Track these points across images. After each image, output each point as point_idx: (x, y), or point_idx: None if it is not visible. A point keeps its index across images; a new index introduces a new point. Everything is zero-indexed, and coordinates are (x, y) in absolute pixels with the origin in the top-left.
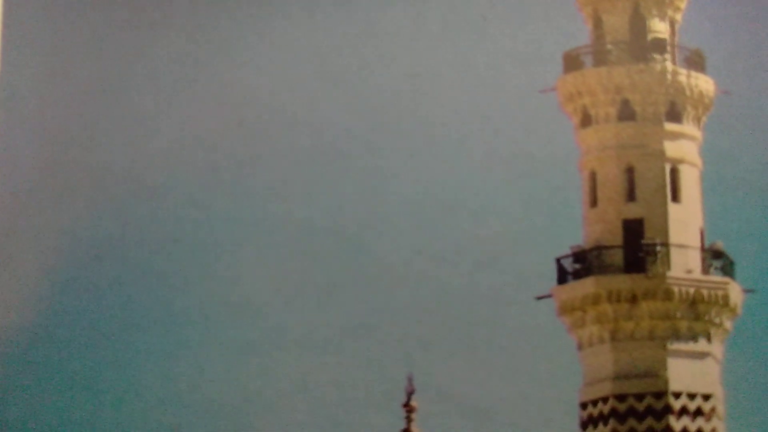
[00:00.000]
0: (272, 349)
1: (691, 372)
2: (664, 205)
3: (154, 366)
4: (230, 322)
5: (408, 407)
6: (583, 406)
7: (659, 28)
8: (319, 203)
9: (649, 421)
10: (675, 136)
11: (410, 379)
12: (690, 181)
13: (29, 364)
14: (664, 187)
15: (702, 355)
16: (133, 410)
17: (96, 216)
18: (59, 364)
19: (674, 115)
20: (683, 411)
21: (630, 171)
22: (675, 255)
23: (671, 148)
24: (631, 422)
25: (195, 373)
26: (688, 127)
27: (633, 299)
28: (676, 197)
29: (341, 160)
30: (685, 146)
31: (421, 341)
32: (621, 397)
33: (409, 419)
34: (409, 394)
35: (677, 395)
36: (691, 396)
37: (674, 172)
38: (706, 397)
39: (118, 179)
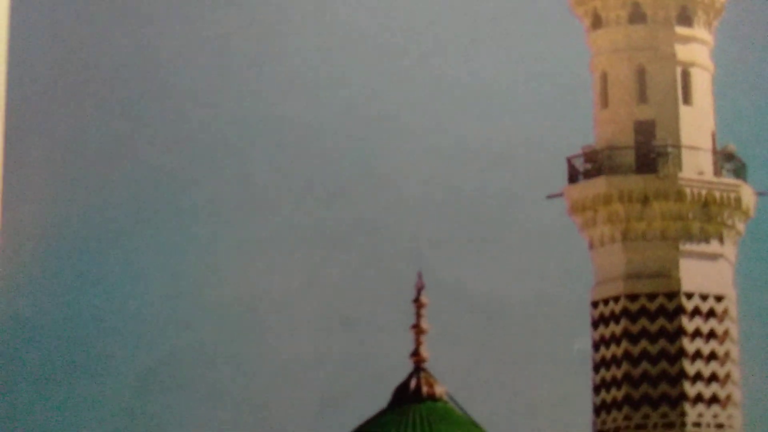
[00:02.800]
0: (281, 245)
1: (703, 273)
2: (676, 107)
3: (163, 263)
4: (239, 219)
5: (418, 303)
6: (595, 305)
7: None
8: (328, 103)
9: (661, 321)
10: (686, 39)
11: (420, 276)
12: (701, 84)
13: (38, 260)
14: (675, 89)
15: (714, 257)
16: (141, 306)
17: (106, 115)
18: (68, 261)
19: (685, 19)
20: (696, 312)
21: (641, 73)
22: (686, 157)
23: (682, 51)
24: (643, 322)
25: (204, 269)
26: (699, 31)
27: (644, 200)
28: (687, 100)
29: (351, 59)
30: (696, 50)
31: (431, 239)
32: (633, 297)
33: (418, 315)
34: (419, 290)
35: (689, 296)
36: (704, 297)
37: (685, 75)
38: (719, 298)
39: (129, 80)
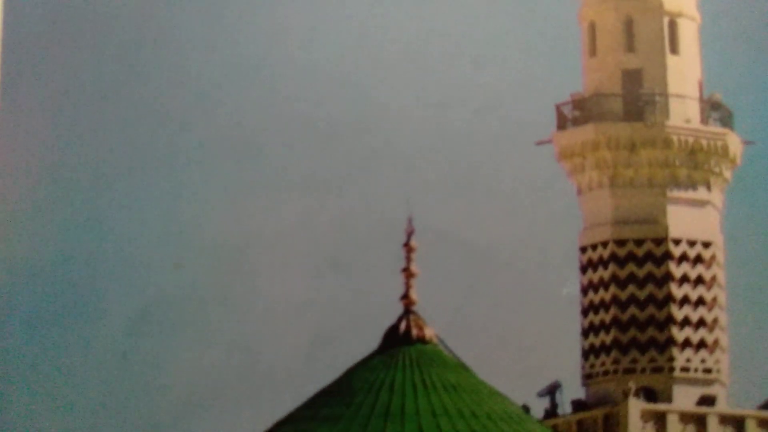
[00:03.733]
0: (274, 189)
1: (690, 219)
2: (663, 56)
3: (156, 206)
4: (233, 162)
5: (408, 247)
6: (583, 250)
7: None
8: (320, 49)
9: (649, 266)
10: None
11: (410, 220)
12: (688, 34)
13: (33, 203)
14: (662, 39)
15: (701, 203)
16: (136, 248)
17: (101, 61)
18: (63, 204)
19: None
20: (683, 257)
21: (628, 22)
22: (673, 105)
23: (669, 1)
24: (631, 267)
25: (197, 211)
26: None
27: (632, 147)
28: (674, 49)
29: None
30: (683, 0)
31: (421, 184)
32: (620, 242)
33: (408, 259)
34: (409, 234)
35: (677, 242)
36: (691, 243)
37: (672, 25)
38: (706, 245)
39: (124, 25)
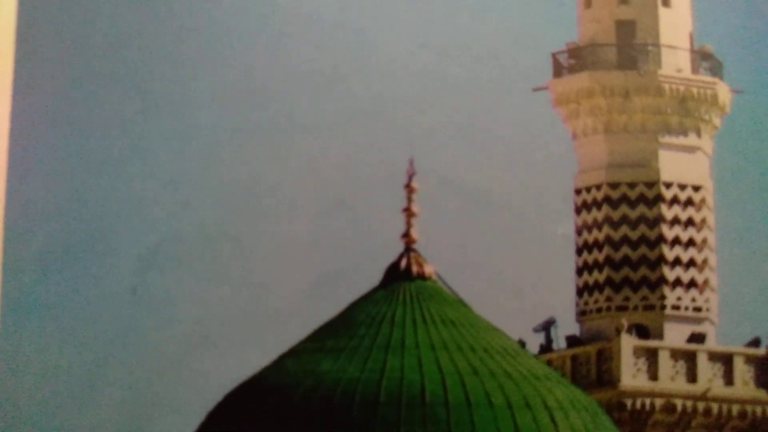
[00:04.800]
0: (280, 132)
1: (681, 164)
2: (655, 8)
3: (167, 148)
4: (241, 107)
5: (409, 188)
6: (578, 192)
7: None
8: None
9: (641, 209)
10: None
11: (411, 163)
12: None
13: (48, 145)
14: None
15: (692, 149)
16: (145, 189)
17: (116, 7)
18: (77, 146)
19: None
20: (674, 200)
21: None
22: (666, 55)
23: None
24: (624, 209)
25: (206, 154)
26: None
27: (626, 94)
28: (666, 2)
29: None
30: None
31: (423, 128)
32: (614, 185)
33: (409, 199)
34: (410, 176)
35: (668, 185)
36: (682, 186)
37: None
38: (696, 188)
39: None
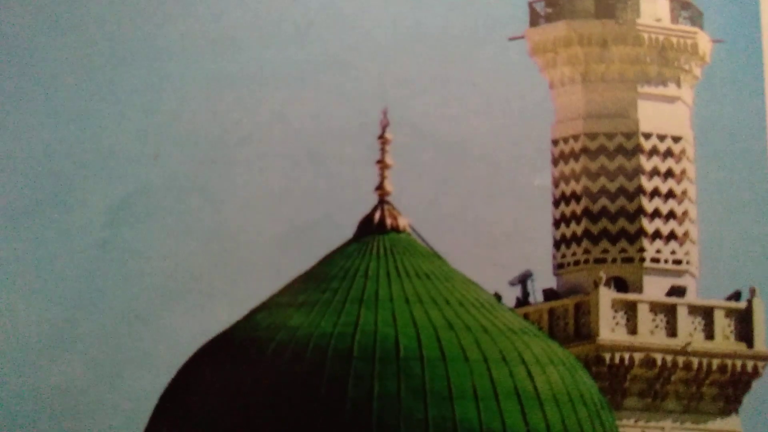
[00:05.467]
0: (251, 82)
1: (660, 114)
2: None
3: (137, 98)
4: (211, 56)
5: (382, 139)
6: (555, 142)
7: None
8: None
9: (620, 160)
10: None
11: (385, 113)
12: None
13: (13, 97)
14: None
15: (671, 99)
16: (116, 140)
17: None
18: (44, 96)
19: None
20: (654, 151)
21: None
22: (644, 4)
23: None
24: (602, 160)
25: (176, 104)
26: None
27: (603, 43)
28: None
29: None
30: None
31: (396, 78)
32: (592, 136)
33: (383, 151)
34: (384, 127)
35: (647, 136)
36: (661, 137)
37: None
38: (676, 139)
39: None
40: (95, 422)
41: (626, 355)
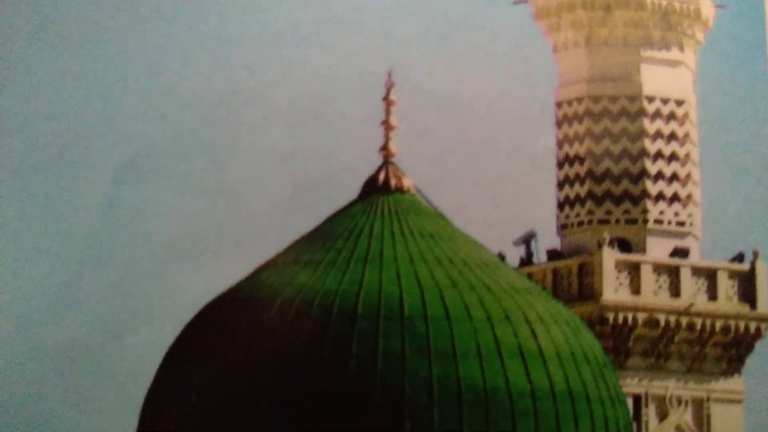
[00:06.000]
0: (256, 43)
1: (664, 78)
2: None
3: (142, 59)
4: (216, 17)
5: (387, 101)
6: (559, 105)
7: None
8: None
9: (623, 123)
10: None
11: (390, 75)
12: None
13: (21, 57)
14: None
15: (675, 63)
16: (122, 101)
17: None
18: (52, 58)
19: None
20: (657, 114)
21: None
22: None
23: None
24: (606, 122)
25: (181, 65)
26: None
27: (607, 7)
28: None
29: None
30: None
31: (401, 39)
32: (596, 99)
33: (387, 112)
34: (389, 89)
35: (651, 99)
36: (665, 100)
37: None
38: (679, 103)
39: None
40: (101, 379)
41: (629, 315)
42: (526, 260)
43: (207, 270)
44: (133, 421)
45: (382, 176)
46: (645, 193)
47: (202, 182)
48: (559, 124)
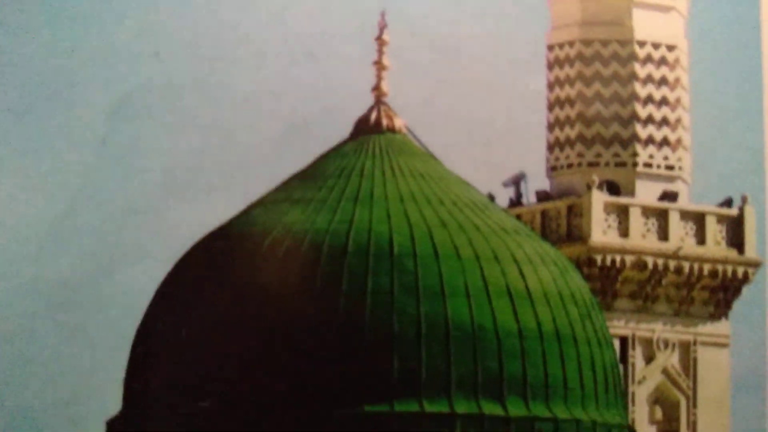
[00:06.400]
0: None
1: (655, 23)
2: None
3: None
4: None
5: (380, 41)
6: (550, 48)
7: None
8: None
9: (614, 66)
10: None
11: (383, 15)
12: None
13: (14, 1)
14: None
15: (666, 9)
16: (116, 38)
17: None
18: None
19: None
20: (648, 59)
21: None
22: None
23: None
24: (597, 66)
25: (176, 3)
26: None
27: None
28: None
29: None
30: None
31: None
32: (587, 42)
33: (380, 52)
34: (382, 29)
35: (642, 44)
36: (656, 45)
37: None
38: (671, 48)
39: None
40: (92, 315)
41: (617, 257)
42: (516, 201)
43: (199, 207)
44: (125, 356)
45: (373, 116)
46: (635, 137)
47: (195, 119)
48: (550, 66)
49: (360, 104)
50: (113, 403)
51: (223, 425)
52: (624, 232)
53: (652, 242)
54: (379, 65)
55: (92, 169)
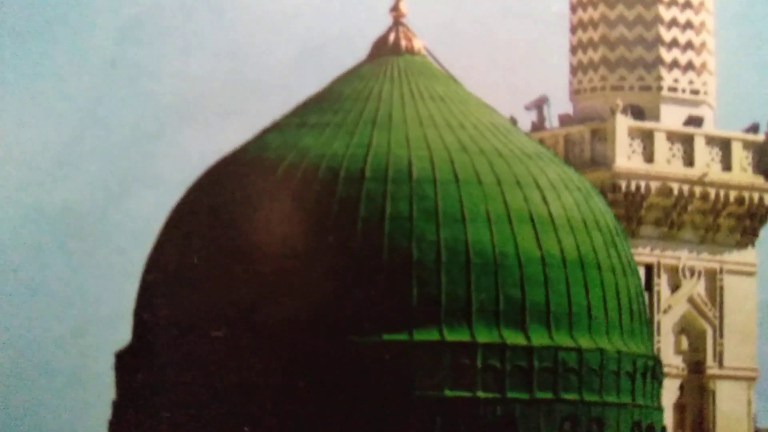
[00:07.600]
0: None
1: None
2: None
3: None
4: None
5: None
6: None
7: None
8: None
9: None
10: None
11: None
12: None
13: None
14: None
15: None
16: None
17: None
18: None
19: None
20: None
21: None
22: None
23: None
24: None
25: None
26: None
27: None
28: None
29: None
30: None
31: None
32: None
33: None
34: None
35: None
36: None
37: None
38: None
39: None
40: (101, 243)
41: (642, 183)
42: (538, 125)
43: (211, 132)
44: (134, 284)
45: (392, 37)
46: (659, 60)
47: (207, 42)
48: None
49: (378, 25)
50: (123, 335)
51: (237, 355)
52: (649, 158)
53: (677, 168)
54: None
55: (101, 93)
